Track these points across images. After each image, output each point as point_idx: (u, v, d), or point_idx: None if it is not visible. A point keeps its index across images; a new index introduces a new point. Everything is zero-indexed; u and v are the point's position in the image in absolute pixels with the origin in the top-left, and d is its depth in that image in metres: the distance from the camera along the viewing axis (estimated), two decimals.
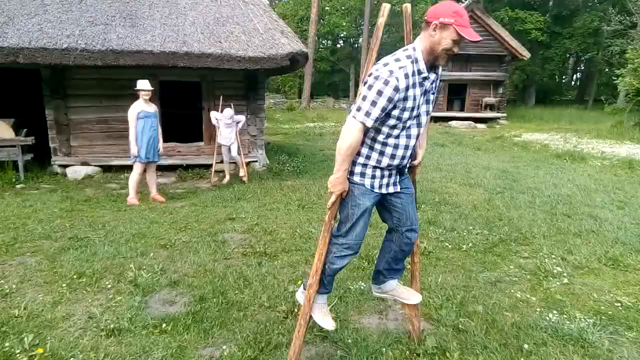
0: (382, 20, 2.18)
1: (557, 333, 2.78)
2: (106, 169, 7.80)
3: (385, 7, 2.15)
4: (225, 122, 7.09)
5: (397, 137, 2.18)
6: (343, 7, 34.63)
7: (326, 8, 34.11)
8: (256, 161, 8.33)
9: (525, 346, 2.64)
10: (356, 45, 38.87)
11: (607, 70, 25.81)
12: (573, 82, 41.25)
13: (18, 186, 6.86)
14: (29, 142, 7.30)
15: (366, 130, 2.14)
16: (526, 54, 19.87)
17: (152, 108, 5.99)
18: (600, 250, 4.21)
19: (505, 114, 20.69)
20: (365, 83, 2.08)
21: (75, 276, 3.52)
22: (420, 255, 4.12)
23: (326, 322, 2.44)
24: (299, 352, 2.36)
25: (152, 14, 6.91)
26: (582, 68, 37.16)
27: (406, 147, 2.23)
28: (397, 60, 2.06)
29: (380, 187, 2.28)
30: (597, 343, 2.69)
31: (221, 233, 4.71)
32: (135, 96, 5.98)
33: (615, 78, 16.14)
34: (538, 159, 10.47)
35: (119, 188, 6.99)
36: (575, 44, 26.66)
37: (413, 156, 2.38)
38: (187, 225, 4.97)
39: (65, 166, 7.60)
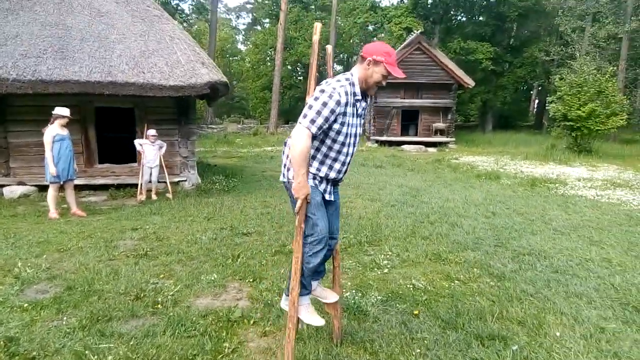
0: (316, 37, 2.54)
1: (349, 310, 3.49)
2: (41, 188, 8.37)
3: (317, 26, 2.56)
4: (150, 144, 7.81)
5: (338, 152, 2.51)
6: (309, 38, 36.02)
7: (295, 38, 35.49)
8: (185, 180, 9.01)
9: None
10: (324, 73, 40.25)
11: None
12: (535, 109, 43.30)
13: None
14: None
15: (312, 142, 2.43)
16: (470, 83, 21.16)
17: (66, 131, 6.64)
18: (431, 249, 4.98)
19: (454, 139, 21.82)
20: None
21: None
22: (281, 252, 4.87)
23: (314, 319, 2.68)
24: (292, 354, 2.52)
25: (82, 47, 7.67)
26: (536, 95, 39.13)
27: (343, 163, 2.58)
28: (339, 80, 2.45)
29: (324, 191, 2.58)
30: (368, 311, 3.42)
31: (118, 240, 5.37)
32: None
33: (547, 105, 17.41)
34: (458, 178, 11.35)
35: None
36: (526, 72, 28.34)
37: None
38: (91, 234, 5.60)
39: (2, 186, 8.16)
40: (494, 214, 6.87)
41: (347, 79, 2.47)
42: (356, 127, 2.56)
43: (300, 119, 2.38)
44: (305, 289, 2.68)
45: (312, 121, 2.34)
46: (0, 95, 7.35)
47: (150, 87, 7.51)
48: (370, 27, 31.25)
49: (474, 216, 6.69)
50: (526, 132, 27.53)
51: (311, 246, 2.54)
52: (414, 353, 2.85)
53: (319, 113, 2.34)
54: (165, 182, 8.29)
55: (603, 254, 4.88)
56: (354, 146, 2.61)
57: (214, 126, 27.75)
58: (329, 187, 2.62)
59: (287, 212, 6.81)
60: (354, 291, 3.82)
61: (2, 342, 2.87)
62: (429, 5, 28.49)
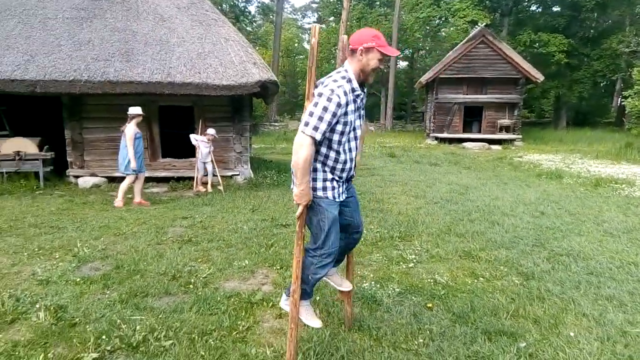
0: (314, 40, 2.40)
1: (357, 294, 3.62)
2: (111, 179, 9.22)
3: (316, 28, 2.42)
4: (204, 142, 8.35)
5: (344, 150, 2.48)
6: None
7: None
8: (238, 175, 9.47)
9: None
10: (385, 70, 39.86)
11: None
12: (618, 104, 40.00)
13: (37, 192, 8.35)
14: (48, 157, 8.86)
15: (317, 147, 2.41)
16: (539, 77, 20.07)
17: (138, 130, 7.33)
18: (463, 246, 4.93)
19: (520, 136, 20.82)
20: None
21: (37, 249, 4.75)
22: None
23: (314, 322, 2.76)
24: (295, 353, 2.57)
25: (145, 50, 8.35)
26: (619, 90, 36.04)
27: (351, 160, 2.56)
28: (335, 80, 2.39)
29: (339, 196, 2.58)
30: (382, 301, 3.52)
31: (168, 227, 5.84)
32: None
33: (623, 100, 16.12)
34: (516, 177, 10.91)
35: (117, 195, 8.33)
36: (604, 65, 26.29)
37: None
38: (146, 221, 6.14)
39: (78, 177, 9.08)
40: (543, 214, 6.60)
41: (343, 77, 2.42)
42: (358, 120, 2.54)
43: (301, 126, 2.33)
44: (307, 295, 2.74)
45: (315, 128, 2.30)
46: (75, 95, 8.19)
47: (205, 87, 8.01)
48: (434, 22, 30.45)
49: (520, 215, 6.47)
50: (603, 130, 25.55)
51: (321, 259, 2.57)
52: (417, 342, 2.92)
53: (320, 119, 2.30)
54: (218, 176, 8.81)
55: None
56: (357, 139, 2.59)
57: (276, 124, 28.54)
58: (342, 187, 2.61)
59: None
60: (373, 282, 3.92)
61: (52, 309, 3.31)
62: None
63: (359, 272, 4.20)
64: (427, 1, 27.96)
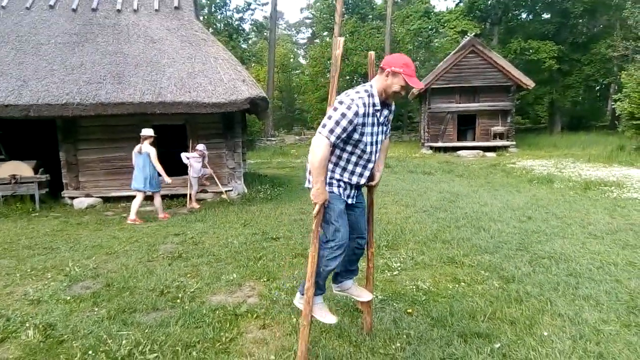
0: (338, 52, 2.62)
1: (340, 302, 3.70)
2: (105, 199, 9.33)
3: (340, 40, 2.62)
4: (195, 158, 8.50)
5: (359, 157, 2.65)
6: (365, 48, 36.28)
7: (351, 49, 35.91)
8: (232, 190, 9.59)
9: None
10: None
11: None
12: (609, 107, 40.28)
13: (33, 215, 8.46)
14: (44, 179, 8.99)
15: (332, 149, 2.56)
16: (530, 83, 20.31)
17: None
18: (447, 253, 5.02)
19: (514, 142, 20.97)
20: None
21: (29, 270, 4.85)
22: (302, 255, 5.16)
23: (328, 318, 2.82)
24: (306, 351, 2.64)
25: (136, 72, 8.54)
26: (612, 93, 36.35)
27: (364, 167, 2.71)
28: (357, 92, 2.57)
29: (347, 197, 2.75)
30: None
31: (160, 244, 5.93)
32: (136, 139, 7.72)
33: (613, 103, 16.31)
34: (508, 183, 11.00)
35: (112, 215, 8.44)
36: (595, 70, 26.59)
37: (371, 177, 2.86)
38: (138, 239, 6.23)
39: (73, 198, 9.20)
40: (530, 218, 6.69)
41: (365, 91, 2.59)
42: (377, 134, 2.68)
43: (320, 128, 2.50)
44: (320, 289, 2.81)
45: (331, 131, 2.47)
46: (69, 118, 8.35)
47: (196, 105, 8.18)
48: (425, 33, 30.85)
49: (507, 220, 6.56)
50: (598, 133, 25.65)
51: (331, 251, 2.68)
52: (394, 347, 3.00)
53: (337, 123, 2.46)
54: (219, 185, 9.03)
55: (631, 257, 4.66)
56: (376, 153, 2.74)
57: (273, 139, 28.73)
58: (352, 191, 2.78)
59: None
60: None
61: (41, 327, 3.40)
62: (488, 7, 27.68)
63: None
64: (417, 14, 28.40)
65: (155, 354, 3.01)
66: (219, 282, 4.40)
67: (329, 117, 2.49)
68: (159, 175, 7.76)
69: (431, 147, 21.52)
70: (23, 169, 8.89)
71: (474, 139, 21.76)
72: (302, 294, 2.75)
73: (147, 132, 7.64)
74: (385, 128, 2.74)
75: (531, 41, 25.70)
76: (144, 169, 7.58)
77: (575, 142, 21.90)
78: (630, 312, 3.39)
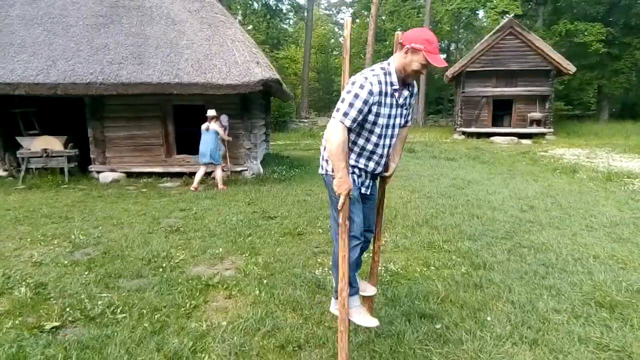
0: (347, 32, 2.43)
1: (305, 278, 3.89)
2: (129, 174, 9.87)
3: (348, 21, 2.46)
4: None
5: (376, 144, 2.46)
6: (404, 28, 35.49)
7: (390, 29, 35.27)
8: (247, 170, 9.89)
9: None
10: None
11: None
12: None
13: (62, 187, 9.10)
14: (72, 154, 9.61)
15: (348, 134, 2.34)
16: (571, 68, 19.36)
17: None
18: (430, 238, 5.08)
19: (552, 130, 20.18)
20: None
21: (40, 236, 5.32)
22: (291, 234, 5.37)
23: (367, 320, 2.57)
24: (347, 358, 2.44)
25: (156, 53, 8.90)
26: None
27: (381, 155, 2.53)
28: (372, 69, 2.38)
29: (361, 184, 2.56)
30: (325, 287, 3.77)
31: (164, 218, 6.31)
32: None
33: None
34: (531, 172, 10.72)
35: (132, 189, 8.95)
36: None
37: (386, 166, 2.65)
38: (146, 213, 6.64)
39: (99, 172, 9.79)
40: (532, 208, 6.59)
41: (382, 68, 2.39)
42: (395, 117, 2.48)
43: (334, 112, 2.32)
44: (351, 286, 2.54)
45: (345, 114, 2.29)
46: (95, 96, 8.86)
47: (210, 86, 8.46)
48: (465, 13, 29.83)
49: (506, 209, 6.49)
50: None
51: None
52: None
53: (351, 105, 2.28)
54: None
55: (617, 251, 4.56)
56: (393, 138, 2.56)
57: (305, 120, 28.90)
58: (367, 180, 2.60)
59: (322, 200, 7.26)
60: (326, 269, 4.18)
61: (33, 285, 3.80)
62: None
63: (318, 260, 4.47)
64: None
65: (124, 314, 3.33)
66: (204, 255, 4.69)
67: (342, 100, 2.31)
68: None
69: (463, 133, 21.05)
70: (54, 143, 9.54)
71: (509, 125, 21.09)
72: (337, 299, 2.53)
73: (211, 112, 8.49)
74: (405, 112, 2.54)
75: (577, 23, 24.34)
76: (209, 144, 8.40)
77: (620, 130, 20.85)
78: (586, 303, 3.39)
